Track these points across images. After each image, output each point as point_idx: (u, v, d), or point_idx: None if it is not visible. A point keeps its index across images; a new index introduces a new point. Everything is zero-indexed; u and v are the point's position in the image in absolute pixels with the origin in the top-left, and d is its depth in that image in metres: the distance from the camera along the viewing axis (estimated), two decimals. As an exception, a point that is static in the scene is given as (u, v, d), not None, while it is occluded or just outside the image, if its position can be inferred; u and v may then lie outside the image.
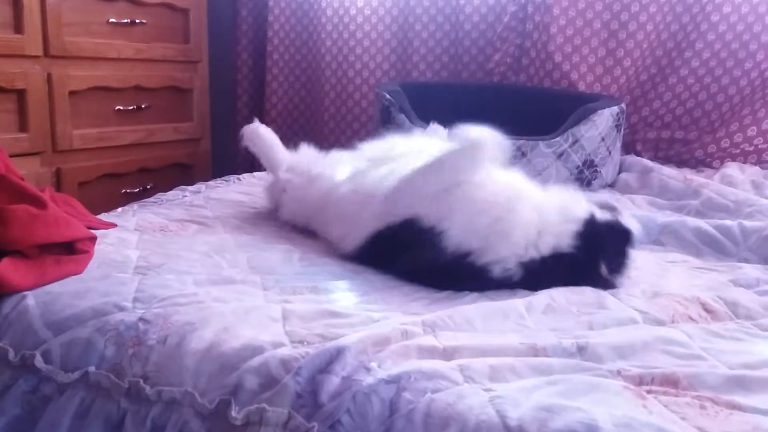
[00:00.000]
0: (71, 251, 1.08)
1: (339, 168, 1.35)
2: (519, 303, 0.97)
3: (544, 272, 1.06)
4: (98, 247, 1.14)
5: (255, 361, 0.80)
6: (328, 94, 2.62)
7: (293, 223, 1.40)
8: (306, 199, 1.37)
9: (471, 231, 1.06)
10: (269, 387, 0.78)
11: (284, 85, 2.71)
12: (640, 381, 0.77)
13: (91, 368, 0.86)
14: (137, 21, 2.18)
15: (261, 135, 1.54)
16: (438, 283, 1.07)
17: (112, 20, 2.10)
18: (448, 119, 1.41)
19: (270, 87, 2.70)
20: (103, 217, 1.41)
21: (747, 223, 1.41)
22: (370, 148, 1.38)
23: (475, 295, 1.03)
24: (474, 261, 1.06)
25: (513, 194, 1.11)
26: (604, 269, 1.07)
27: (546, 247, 1.07)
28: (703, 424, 0.69)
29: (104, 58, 2.09)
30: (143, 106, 2.23)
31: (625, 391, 0.74)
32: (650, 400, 0.73)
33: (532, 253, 1.07)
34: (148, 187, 2.22)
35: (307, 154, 1.50)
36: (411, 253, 1.10)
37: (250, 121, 2.73)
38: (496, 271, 1.06)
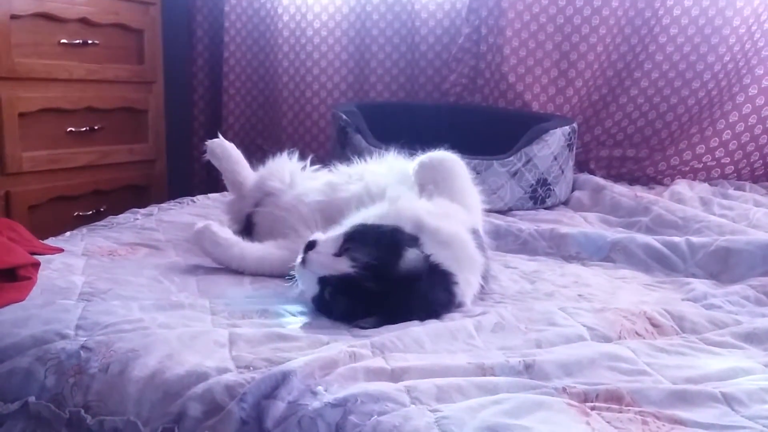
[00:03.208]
0: (13, 278, 1.05)
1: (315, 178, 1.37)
2: (468, 323, 0.98)
3: None
4: (42, 273, 1.11)
5: (199, 388, 0.79)
6: (285, 115, 2.61)
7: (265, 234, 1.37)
8: (280, 204, 1.36)
9: None
10: (213, 414, 0.76)
11: (241, 106, 2.70)
12: (585, 398, 0.78)
13: (31, 398, 0.83)
14: (89, 42, 2.15)
15: (226, 150, 1.52)
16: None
17: (63, 41, 2.07)
18: (405, 139, 1.42)
19: (227, 107, 2.68)
20: (51, 241, 1.37)
21: (694, 239, 1.45)
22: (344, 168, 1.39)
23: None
24: None
25: None
26: None
27: None
28: (645, 439, 0.70)
29: (55, 79, 2.06)
30: (96, 127, 2.20)
31: (570, 409, 0.74)
32: (594, 416, 0.73)
33: None
34: (102, 209, 2.18)
35: (285, 162, 1.48)
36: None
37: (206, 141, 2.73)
38: None
